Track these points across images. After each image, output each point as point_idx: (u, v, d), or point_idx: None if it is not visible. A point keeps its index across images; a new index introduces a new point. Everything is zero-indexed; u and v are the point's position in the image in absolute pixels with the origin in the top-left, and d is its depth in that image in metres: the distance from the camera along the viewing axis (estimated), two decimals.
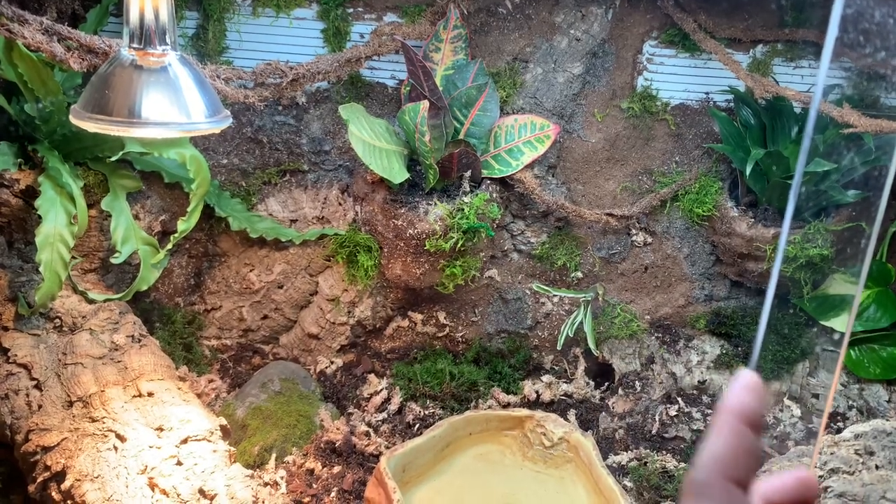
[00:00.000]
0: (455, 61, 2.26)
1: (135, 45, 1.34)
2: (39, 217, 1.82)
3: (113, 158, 2.00)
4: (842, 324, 2.36)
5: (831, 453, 1.58)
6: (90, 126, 1.33)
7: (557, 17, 2.32)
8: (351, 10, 2.31)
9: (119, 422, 1.70)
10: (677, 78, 2.42)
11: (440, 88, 2.13)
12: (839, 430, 1.95)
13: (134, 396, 1.77)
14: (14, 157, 1.90)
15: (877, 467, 1.53)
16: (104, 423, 1.70)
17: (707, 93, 2.44)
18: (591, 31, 2.32)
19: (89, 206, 1.96)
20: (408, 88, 2.21)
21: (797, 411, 2.34)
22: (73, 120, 1.35)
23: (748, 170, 2.16)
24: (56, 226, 1.82)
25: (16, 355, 1.83)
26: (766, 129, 2.32)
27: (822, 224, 2.25)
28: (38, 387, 1.79)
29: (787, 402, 2.37)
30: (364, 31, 2.31)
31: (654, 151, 2.46)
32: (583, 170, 2.46)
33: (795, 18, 2.33)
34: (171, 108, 1.35)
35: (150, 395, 1.78)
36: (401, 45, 2.09)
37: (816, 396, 2.41)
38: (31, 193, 1.92)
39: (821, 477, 1.50)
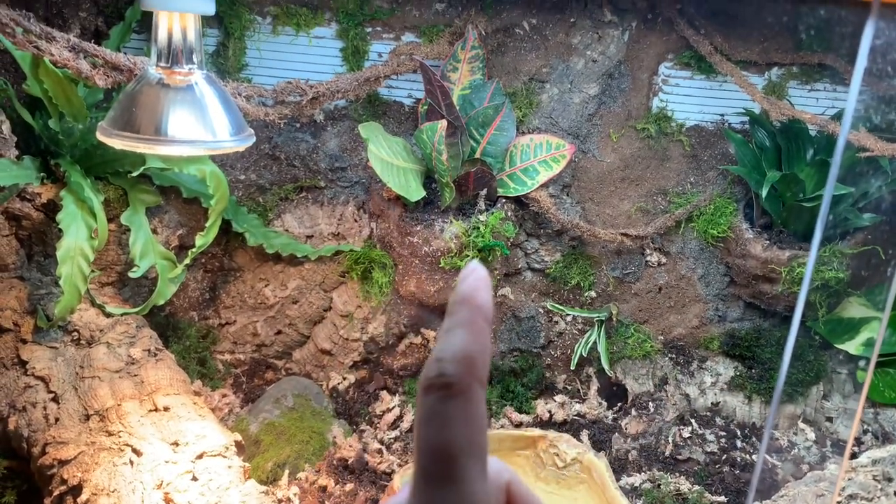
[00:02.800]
0: (472, 81, 2.27)
1: (162, 64, 1.36)
2: (60, 231, 1.84)
3: (134, 174, 2.01)
4: (855, 347, 2.34)
5: (849, 479, 1.57)
6: (117, 143, 1.35)
7: (574, 39, 2.34)
8: (370, 30, 2.33)
9: (135, 436, 1.70)
10: (692, 99, 2.44)
11: (457, 108, 2.15)
12: (854, 455, 1.93)
13: (150, 411, 1.78)
14: (37, 171, 1.92)
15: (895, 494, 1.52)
16: (120, 437, 1.70)
17: (722, 115, 2.45)
18: (608, 52, 2.34)
19: (108, 221, 1.97)
20: (425, 107, 2.23)
21: (811, 435, 2.33)
22: (100, 137, 1.37)
23: (764, 192, 2.17)
24: (77, 240, 1.84)
25: (34, 368, 1.84)
26: (781, 152, 2.33)
27: (837, 247, 2.25)
28: (55, 400, 1.80)
29: (801, 425, 2.35)
30: (382, 51, 2.33)
31: (668, 172, 2.46)
32: (597, 189, 2.46)
33: (811, 42, 2.34)
34: (197, 126, 1.36)
35: (165, 409, 1.78)
36: (419, 65, 2.11)
37: (831, 420, 2.39)
38: (52, 207, 1.94)
39: (839, 503, 1.49)
